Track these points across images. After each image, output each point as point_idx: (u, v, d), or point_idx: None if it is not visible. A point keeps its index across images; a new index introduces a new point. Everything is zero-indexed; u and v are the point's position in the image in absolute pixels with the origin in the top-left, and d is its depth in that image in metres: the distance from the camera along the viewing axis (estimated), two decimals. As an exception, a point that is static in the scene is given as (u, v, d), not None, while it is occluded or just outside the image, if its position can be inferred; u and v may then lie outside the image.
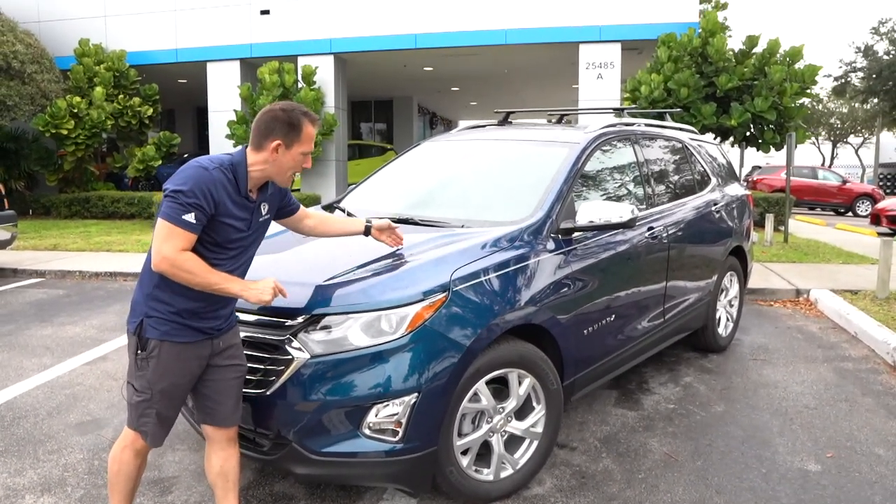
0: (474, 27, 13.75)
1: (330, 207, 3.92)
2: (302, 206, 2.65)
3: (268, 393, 2.46)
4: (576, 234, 3.19)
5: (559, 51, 14.31)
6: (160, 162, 14.71)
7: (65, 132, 13.53)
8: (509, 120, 4.68)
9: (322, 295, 2.51)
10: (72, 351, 5.00)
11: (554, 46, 13.99)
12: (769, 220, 10.24)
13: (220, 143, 14.71)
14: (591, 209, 3.13)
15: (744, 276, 5.21)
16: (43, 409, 3.90)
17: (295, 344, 2.44)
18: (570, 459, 3.22)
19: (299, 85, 14.13)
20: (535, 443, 2.91)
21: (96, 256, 8.96)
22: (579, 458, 3.24)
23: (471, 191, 3.69)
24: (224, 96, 15.02)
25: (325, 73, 14.60)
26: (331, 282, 2.58)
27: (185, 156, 18.57)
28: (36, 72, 13.65)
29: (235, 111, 13.92)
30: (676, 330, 4.24)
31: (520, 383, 2.82)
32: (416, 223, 3.28)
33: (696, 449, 3.33)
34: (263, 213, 2.33)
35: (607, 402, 3.93)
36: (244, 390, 2.51)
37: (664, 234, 3.89)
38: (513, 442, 2.89)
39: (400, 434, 2.43)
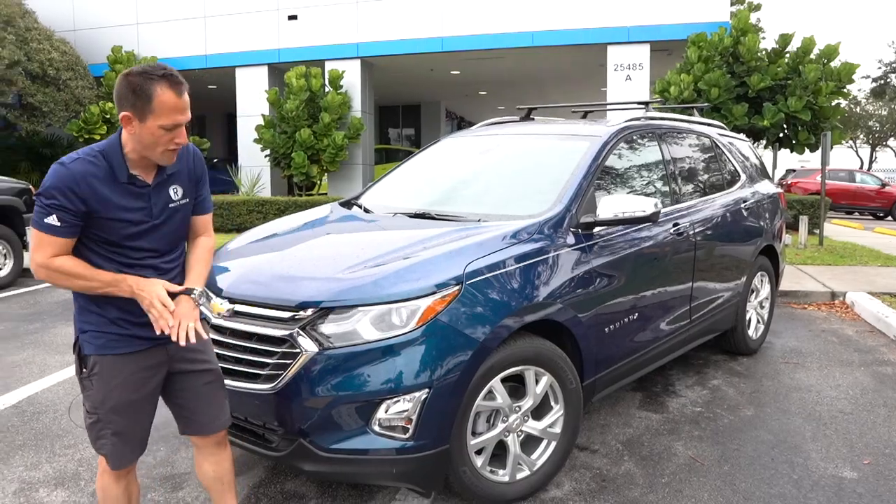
0: (500, 30, 13.69)
1: (348, 204, 3.88)
2: (208, 219, 2.19)
3: (276, 388, 2.41)
4: (597, 228, 3.09)
5: (587, 53, 14.17)
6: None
7: (98, 137, 13.78)
8: (532, 116, 4.59)
9: (331, 288, 2.46)
10: (95, 348, 5.03)
11: (581, 48, 13.85)
12: (803, 222, 9.95)
13: (249, 148, 14.86)
14: (613, 203, 3.03)
15: (775, 277, 5.03)
16: (62, 404, 3.91)
17: (303, 338, 2.38)
18: (591, 462, 3.11)
19: (326, 89, 14.21)
20: (553, 444, 2.81)
21: (125, 258, 9.05)
22: (600, 460, 3.12)
23: (490, 185, 3.61)
24: (252, 101, 15.17)
25: (352, 77, 14.66)
26: (340, 275, 2.52)
27: (216, 160, 18.81)
28: (70, 79, 13.97)
29: (263, 116, 14.05)
30: (704, 331, 4.09)
31: (537, 381, 2.72)
32: (432, 218, 3.21)
33: (724, 454, 3.19)
34: (173, 196, 1.99)
35: (631, 405, 3.81)
36: (251, 386, 2.47)
37: (690, 231, 3.76)
38: (530, 442, 2.79)
39: (410, 431, 2.36)
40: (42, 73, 13.41)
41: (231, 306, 2.63)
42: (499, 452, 2.71)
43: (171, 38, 15.68)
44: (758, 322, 4.81)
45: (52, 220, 1.81)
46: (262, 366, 2.47)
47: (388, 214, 3.43)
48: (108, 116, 13.89)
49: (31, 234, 1.87)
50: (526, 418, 2.73)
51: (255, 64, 15.28)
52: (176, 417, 2.19)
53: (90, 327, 1.96)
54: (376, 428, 2.37)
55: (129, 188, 1.90)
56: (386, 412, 2.36)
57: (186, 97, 1.85)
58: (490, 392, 2.58)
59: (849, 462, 3.10)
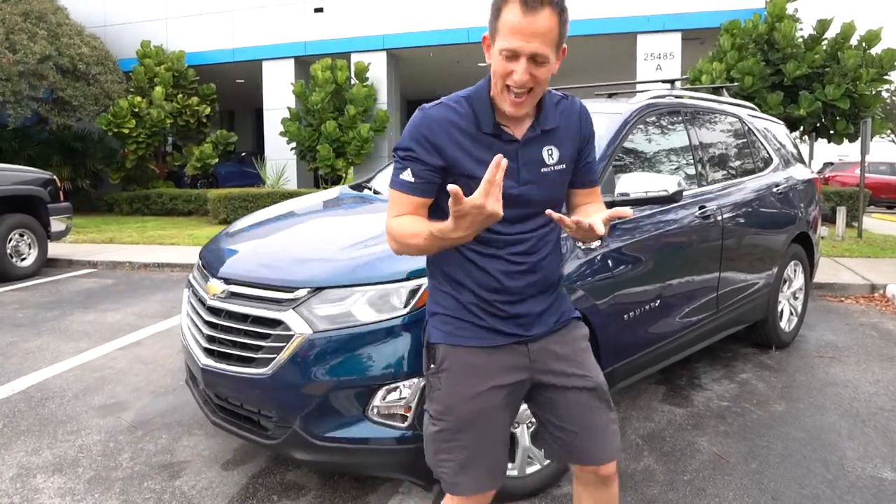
0: (527, 19, 13.42)
1: (359, 187, 3.75)
2: (594, 192, 1.72)
3: (269, 372, 2.29)
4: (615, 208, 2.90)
5: (616, 42, 13.84)
6: (217, 160, 15.01)
7: (126, 131, 13.95)
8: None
9: (325, 268, 2.33)
10: (109, 336, 5.00)
11: (611, 38, 13.53)
12: (841, 213, 9.55)
13: (275, 141, 14.88)
14: (632, 181, 2.83)
15: (810, 267, 4.77)
16: (70, 390, 3.86)
17: (296, 319, 2.25)
18: (608, 457, 2.92)
19: (352, 81, 14.14)
20: (566, 436, 2.64)
21: (148, 249, 9.11)
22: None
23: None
24: (279, 94, 15.18)
25: (378, 70, 14.56)
26: (336, 255, 2.38)
27: (243, 154, 18.93)
28: (100, 73, 14.12)
29: (289, 108, 14.05)
30: (732, 321, 3.87)
31: (548, 370, 2.55)
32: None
33: (751, 450, 2.98)
34: (546, 159, 1.56)
35: (653, 398, 3.61)
36: (246, 370, 2.35)
37: (718, 216, 3.54)
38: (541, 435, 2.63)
39: (409, 420, 2.21)
40: (72, 68, 13.58)
41: (226, 287, 2.52)
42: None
43: (199, 32, 15.78)
44: (790, 314, 4.56)
45: (407, 175, 1.52)
46: (257, 349, 2.35)
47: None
48: (136, 110, 14.02)
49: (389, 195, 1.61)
50: (536, 409, 2.56)
51: (281, 57, 15.29)
52: (549, 440, 1.73)
53: (439, 309, 1.65)
54: (373, 416, 2.23)
55: (494, 142, 1.52)
56: (383, 399, 2.22)
57: (544, 19, 1.38)
58: (497, 380, 2.42)
59: (889, 462, 2.87)
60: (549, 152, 1.57)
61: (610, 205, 2.83)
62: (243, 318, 2.42)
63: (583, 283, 2.63)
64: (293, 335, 2.25)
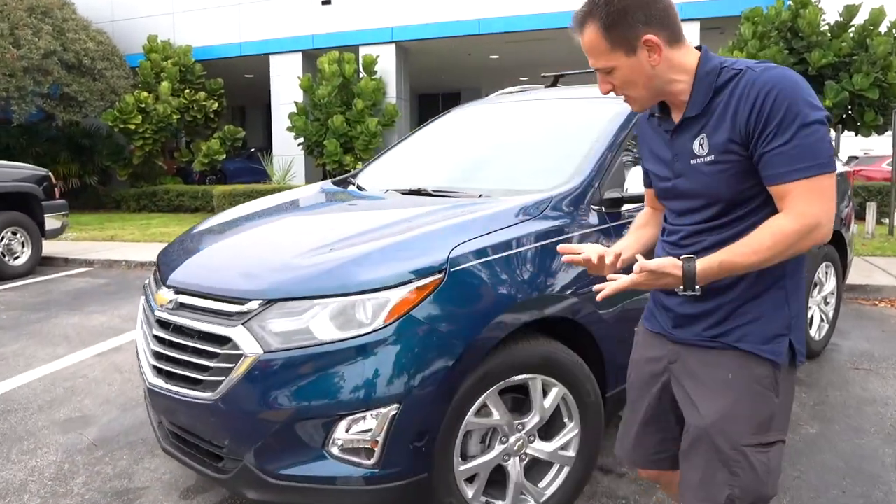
0: (539, 9, 13.03)
1: (344, 182, 3.41)
2: (786, 190, 1.29)
3: (215, 397, 1.96)
4: (626, 206, 2.54)
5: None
6: (224, 156, 14.78)
7: (132, 127, 13.74)
8: (558, 85, 4.03)
9: (281, 276, 1.99)
10: (90, 340, 4.72)
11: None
12: (870, 209, 9.06)
13: (283, 136, 14.61)
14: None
15: (843, 269, 4.36)
16: (36, 402, 3.58)
17: (246, 336, 1.92)
18: (616, 489, 2.57)
19: (360, 75, 13.82)
20: (567, 469, 2.29)
21: (147, 247, 8.86)
22: (626, 487, 2.58)
23: (500, 158, 3.09)
24: (287, 89, 14.90)
25: (387, 63, 14.23)
26: (295, 261, 2.05)
27: (252, 150, 18.70)
28: (106, 68, 13.94)
29: (296, 103, 13.76)
30: (757, 331, 3.48)
31: (545, 394, 2.21)
32: (429, 194, 2.71)
33: (781, 482, 2.60)
34: (696, 149, 1.40)
35: (668, 417, 3.24)
36: (194, 393, 2.03)
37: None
38: (537, 468, 2.28)
39: (377, 456, 1.88)
40: (77, 63, 13.39)
41: (175, 297, 2.19)
42: (498, 478, 2.21)
43: (206, 26, 15.55)
44: (821, 320, 4.16)
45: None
46: (204, 369, 2.02)
47: (378, 192, 2.95)
48: (142, 106, 13.81)
49: None
50: (531, 438, 2.22)
51: (288, 51, 15.01)
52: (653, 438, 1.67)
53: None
54: (335, 451, 1.89)
55: (657, 130, 1.53)
56: (346, 432, 1.88)
57: (587, 38, 1.40)
58: (484, 407, 2.08)
59: (942, 498, 2.49)
60: (701, 142, 1.40)
61: (619, 201, 2.50)
62: (191, 333, 2.10)
63: (584, 291, 2.28)
64: (242, 355, 1.92)
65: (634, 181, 2.46)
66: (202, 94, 14.82)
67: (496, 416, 2.11)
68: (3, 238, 7.16)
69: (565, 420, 2.28)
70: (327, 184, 3.38)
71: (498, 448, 2.15)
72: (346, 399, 1.86)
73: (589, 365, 2.31)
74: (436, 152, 3.44)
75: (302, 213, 2.80)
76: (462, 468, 2.07)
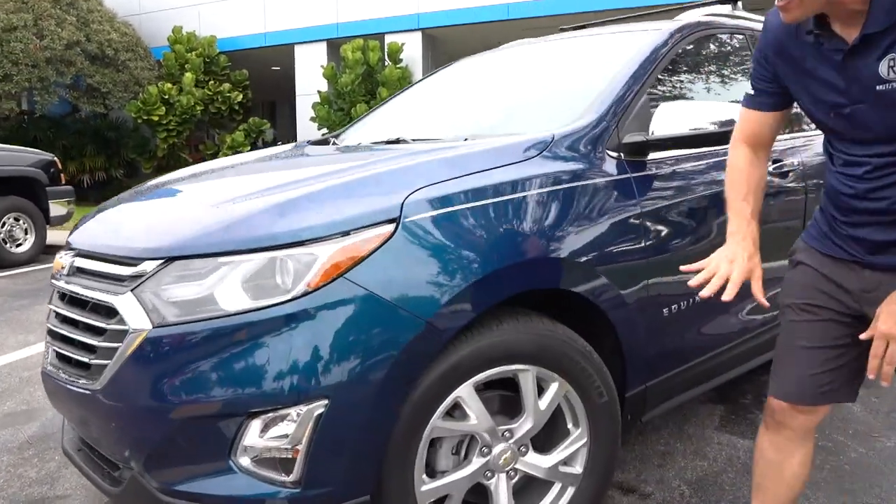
0: (570, -8, 12.41)
1: (325, 141, 2.93)
2: None
3: (98, 386, 1.49)
4: (652, 154, 2.00)
5: (663, 18, 12.65)
6: (249, 148, 14.52)
7: (156, 118, 13.55)
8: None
9: (184, 228, 1.51)
10: (66, 328, 4.35)
11: (657, 11, 12.35)
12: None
13: (307, 127, 14.26)
14: (674, 112, 1.92)
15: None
16: (-13, 394, 3.20)
17: (134, 307, 1.44)
18: (638, 514, 2.03)
19: (385, 63, 13.39)
20: (571, 490, 1.76)
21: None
22: (652, 512, 2.04)
23: (503, 103, 2.56)
24: (311, 79, 14.55)
25: (413, 51, 13.76)
26: (204, 211, 1.57)
27: (279, 143, 18.48)
28: (130, 59, 13.79)
29: (319, 92, 13.41)
30: (816, 321, 2.89)
31: (540, 391, 1.68)
32: (406, 143, 2.21)
33: (854, 509, 2.03)
34: (884, 73, 1.20)
35: (707, 423, 2.67)
36: (79, 381, 1.57)
37: (800, 174, 2.58)
38: (531, 488, 1.76)
39: (297, 470, 1.38)
40: (101, 55, 13.26)
41: (72, 260, 1.73)
42: (480, 502, 1.69)
43: (230, 17, 15.34)
44: None
45: (749, 87, 1.49)
46: (92, 350, 1.55)
47: (349, 146, 2.46)
48: (166, 97, 13.62)
49: None
50: (523, 449, 1.69)
51: (313, 40, 14.68)
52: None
53: (816, 213, 1.53)
54: (244, 462, 1.40)
55: (816, 48, 1.29)
56: (260, 436, 1.39)
57: None
58: (457, 406, 1.56)
59: None
60: (891, 63, 1.19)
61: (644, 146, 1.96)
62: (83, 304, 1.64)
63: (594, 257, 1.75)
64: (128, 331, 1.44)
65: (662, 120, 1.92)
66: (227, 86, 14.57)
67: (473, 418, 1.58)
68: (4, 224, 6.90)
69: (569, 426, 1.75)
70: (304, 142, 2.90)
71: (477, 461, 1.62)
72: (259, 391, 1.36)
73: (602, 356, 1.78)
74: (430, 104, 2.92)
75: (247, 168, 2.30)
76: (425, 488, 1.55)
